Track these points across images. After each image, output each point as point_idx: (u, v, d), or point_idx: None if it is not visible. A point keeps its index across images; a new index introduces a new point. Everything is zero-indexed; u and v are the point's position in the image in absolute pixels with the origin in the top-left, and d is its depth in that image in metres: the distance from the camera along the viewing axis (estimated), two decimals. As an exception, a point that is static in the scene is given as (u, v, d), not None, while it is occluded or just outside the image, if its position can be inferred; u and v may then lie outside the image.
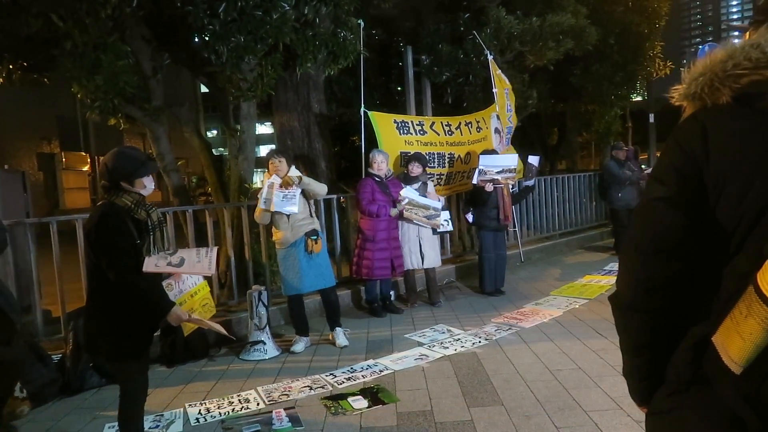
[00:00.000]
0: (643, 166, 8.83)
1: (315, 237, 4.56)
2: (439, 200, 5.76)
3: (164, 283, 2.76)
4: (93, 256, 2.54)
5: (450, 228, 6.10)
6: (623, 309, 1.14)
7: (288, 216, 4.47)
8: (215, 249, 2.84)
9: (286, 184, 4.46)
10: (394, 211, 5.34)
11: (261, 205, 4.48)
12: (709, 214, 1.00)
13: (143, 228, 2.61)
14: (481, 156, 5.98)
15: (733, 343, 0.87)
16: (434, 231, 5.73)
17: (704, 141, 1.01)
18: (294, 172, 4.52)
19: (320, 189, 4.69)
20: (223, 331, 2.84)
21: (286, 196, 4.46)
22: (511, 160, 6.13)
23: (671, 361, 1.07)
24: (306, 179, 4.55)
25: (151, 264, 2.57)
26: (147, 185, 2.63)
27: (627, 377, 1.22)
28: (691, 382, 1.00)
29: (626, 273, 1.13)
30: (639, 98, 18.59)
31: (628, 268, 1.12)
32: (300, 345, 4.58)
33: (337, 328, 4.70)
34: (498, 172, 5.87)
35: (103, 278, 2.52)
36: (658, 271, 1.05)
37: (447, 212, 5.98)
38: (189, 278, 2.92)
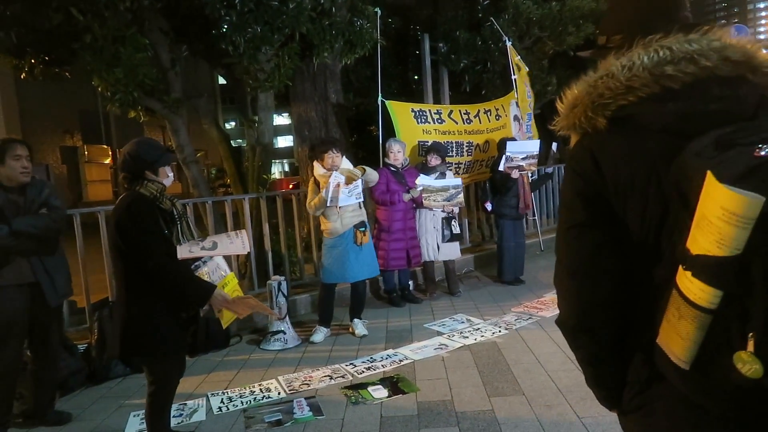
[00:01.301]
0: None
1: (363, 229, 4.56)
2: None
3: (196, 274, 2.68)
4: (124, 248, 2.42)
5: (458, 230, 5.90)
6: (569, 331, 1.21)
7: (339, 207, 4.44)
8: (244, 231, 2.83)
9: (350, 180, 4.39)
10: (407, 196, 5.26)
11: (328, 203, 4.37)
12: (623, 229, 1.06)
13: (168, 218, 2.57)
14: (507, 143, 5.91)
15: (675, 343, 0.92)
16: (443, 235, 5.60)
17: (596, 165, 1.08)
18: (347, 164, 4.49)
19: (376, 177, 4.73)
20: (268, 310, 2.81)
21: (351, 191, 4.44)
22: (534, 145, 6.09)
23: (631, 364, 1.13)
24: (368, 170, 4.56)
25: (185, 251, 2.51)
26: (169, 174, 2.62)
27: (591, 388, 1.29)
28: (650, 379, 1.07)
29: (564, 298, 1.19)
30: (662, 83, 18.21)
31: (564, 293, 1.18)
32: (320, 335, 4.60)
33: (355, 319, 4.72)
34: (523, 159, 5.83)
35: (135, 275, 2.44)
36: (592, 291, 1.12)
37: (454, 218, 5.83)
38: (218, 270, 2.83)
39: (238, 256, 5.09)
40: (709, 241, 0.84)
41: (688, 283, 0.88)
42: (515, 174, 5.78)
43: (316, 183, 4.51)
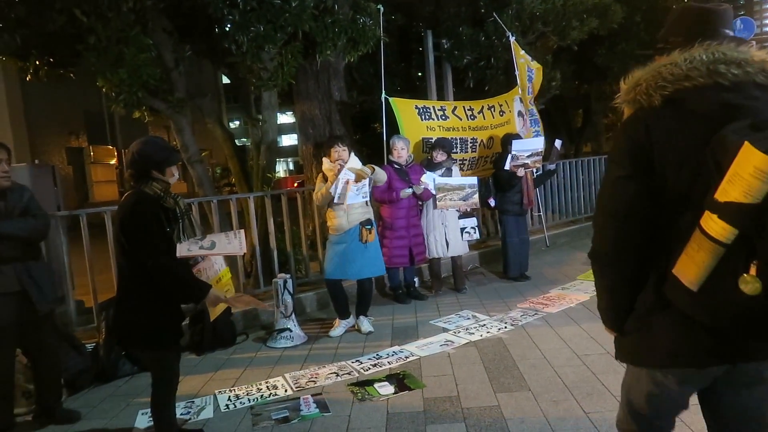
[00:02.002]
0: None
1: (369, 227, 4.55)
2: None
3: (194, 270, 2.78)
4: (126, 246, 2.53)
5: (477, 236, 5.89)
6: (601, 262, 1.55)
7: (346, 205, 4.46)
8: (242, 231, 2.88)
9: (360, 178, 4.40)
10: (404, 192, 5.18)
11: (336, 200, 4.43)
12: (657, 184, 1.39)
13: (171, 216, 2.63)
14: (513, 141, 5.90)
15: (691, 270, 1.27)
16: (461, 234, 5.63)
17: (647, 134, 1.41)
18: (355, 160, 4.47)
19: (384, 177, 4.73)
20: (259, 303, 2.86)
21: (359, 189, 4.47)
22: (539, 143, 6.09)
23: (639, 296, 1.48)
24: (377, 169, 4.57)
25: (184, 249, 2.59)
26: (175, 174, 2.67)
27: (603, 311, 1.62)
28: (651, 308, 1.44)
29: (602, 234, 1.53)
30: (667, 77, 18.10)
31: (603, 231, 1.52)
32: (340, 329, 4.63)
33: (361, 316, 4.72)
34: (528, 156, 5.84)
35: (135, 269, 2.53)
36: (626, 230, 1.45)
37: (473, 219, 5.80)
38: (215, 265, 2.95)
39: (243, 254, 5.11)
40: (738, 192, 1.16)
41: (712, 223, 1.21)
42: (521, 172, 5.79)
43: (324, 177, 4.56)
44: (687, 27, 1.55)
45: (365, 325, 4.67)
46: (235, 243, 2.74)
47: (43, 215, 3.21)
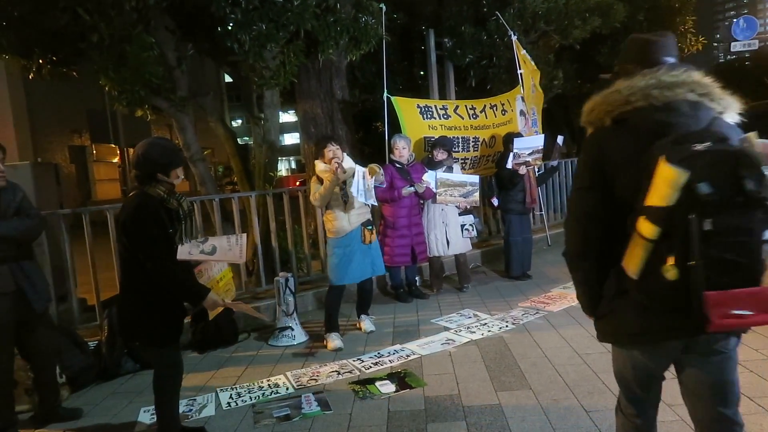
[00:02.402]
0: None
1: (371, 227, 4.50)
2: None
3: (195, 271, 2.82)
4: (128, 247, 2.56)
5: (475, 234, 5.88)
6: (572, 258, 1.85)
7: (345, 205, 4.34)
8: (244, 236, 2.89)
9: (372, 172, 4.39)
10: (406, 190, 5.19)
11: (366, 200, 4.38)
12: (610, 193, 1.68)
13: (174, 217, 2.64)
14: (515, 140, 5.90)
15: (631, 262, 1.56)
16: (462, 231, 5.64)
17: (600, 151, 1.71)
18: (349, 160, 4.43)
19: (382, 178, 4.70)
20: (255, 313, 2.89)
21: (370, 187, 4.44)
22: (539, 140, 6.08)
23: (606, 284, 1.77)
24: (380, 169, 4.56)
25: (185, 252, 2.62)
26: (180, 175, 2.68)
27: (580, 299, 1.92)
28: (616, 294, 1.71)
29: (571, 236, 1.83)
30: (669, 76, 18.04)
31: (572, 232, 1.83)
32: (338, 341, 4.36)
33: (363, 315, 4.73)
34: (529, 154, 5.85)
35: (137, 268, 2.56)
36: (590, 231, 1.76)
37: (471, 216, 5.78)
38: (216, 265, 2.98)
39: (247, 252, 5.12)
40: (657, 197, 1.46)
41: (642, 223, 1.51)
42: (523, 170, 5.80)
43: (319, 180, 4.39)
44: (634, 55, 1.83)
45: (367, 323, 4.67)
46: (236, 250, 2.77)
47: (36, 214, 3.20)
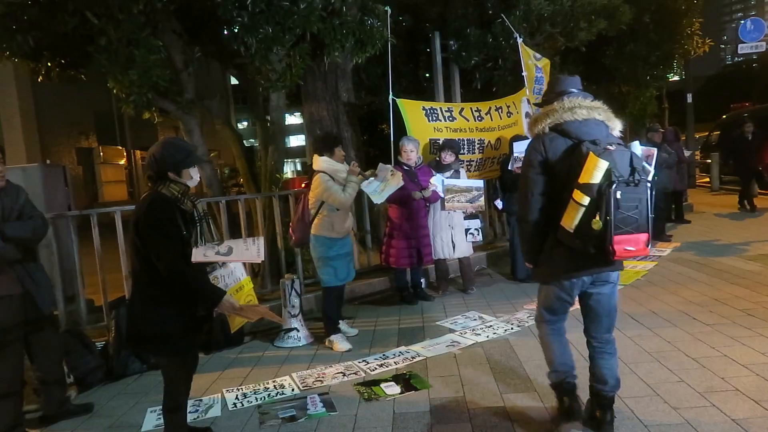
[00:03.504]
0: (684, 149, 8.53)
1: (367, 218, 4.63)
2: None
3: (210, 277, 2.71)
4: (141, 249, 2.48)
5: (480, 238, 5.89)
6: (522, 221, 2.76)
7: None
8: (261, 237, 2.79)
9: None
10: (417, 194, 5.24)
11: (375, 198, 4.56)
12: (551, 175, 2.59)
13: (189, 219, 2.58)
14: (514, 143, 5.91)
15: (568, 220, 2.44)
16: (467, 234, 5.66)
17: (544, 147, 2.63)
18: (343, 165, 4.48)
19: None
20: (276, 317, 2.82)
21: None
22: None
23: (545, 241, 2.68)
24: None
25: (200, 254, 2.53)
26: (193, 176, 2.62)
27: (525, 253, 2.90)
28: (552, 247, 2.63)
29: (522, 205, 2.72)
30: (676, 78, 17.99)
31: (523, 203, 2.71)
32: (346, 342, 4.38)
33: (341, 321, 4.70)
34: None
35: (151, 271, 2.48)
36: (535, 201, 2.66)
37: (478, 221, 5.79)
38: (234, 273, 2.86)
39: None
40: (587, 176, 2.38)
41: (577, 194, 2.40)
42: None
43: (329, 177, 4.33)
44: (557, 88, 2.82)
45: (348, 328, 4.69)
46: (253, 249, 2.64)
47: (40, 215, 3.21)
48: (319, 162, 4.37)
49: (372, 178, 4.58)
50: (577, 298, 2.81)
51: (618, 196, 2.36)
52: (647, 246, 2.48)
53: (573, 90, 2.75)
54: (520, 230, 2.86)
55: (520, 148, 5.86)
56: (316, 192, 4.34)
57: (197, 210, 2.63)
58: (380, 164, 4.70)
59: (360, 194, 5.95)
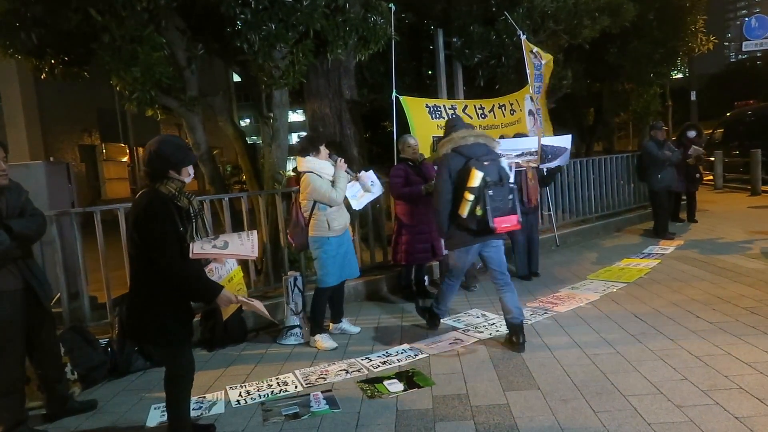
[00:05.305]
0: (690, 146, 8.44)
1: (352, 221, 4.57)
2: None
3: (206, 269, 2.81)
4: (140, 245, 2.53)
5: None
6: (437, 212, 4.09)
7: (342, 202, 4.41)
8: (254, 232, 2.88)
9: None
10: (424, 188, 5.15)
11: (355, 204, 4.61)
12: (453, 182, 3.95)
13: (185, 215, 2.63)
14: (499, 141, 5.88)
15: (463, 210, 3.87)
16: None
17: (449, 163, 3.97)
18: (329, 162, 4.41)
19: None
20: (266, 312, 2.88)
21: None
22: (532, 142, 6.00)
23: (451, 223, 4.05)
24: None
25: (197, 248, 2.60)
26: (190, 173, 2.67)
27: (438, 230, 4.32)
28: (456, 227, 4.01)
29: (437, 201, 4.06)
30: (680, 75, 17.94)
31: (438, 199, 4.05)
32: (332, 340, 4.40)
33: (343, 319, 4.70)
34: (517, 156, 5.81)
35: (148, 267, 2.54)
36: (443, 198, 4.00)
37: None
38: (226, 264, 2.98)
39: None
40: (472, 182, 3.81)
41: (467, 194, 3.83)
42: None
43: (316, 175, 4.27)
44: (450, 126, 4.29)
45: (350, 327, 4.68)
46: (248, 245, 2.74)
47: (40, 214, 3.24)
48: (304, 162, 4.30)
49: (355, 182, 4.58)
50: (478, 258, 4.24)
51: (490, 193, 3.77)
52: (518, 222, 3.94)
53: (461, 127, 4.17)
54: (436, 217, 4.15)
55: (506, 146, 5.87)
56: (306, 192, 4.29)
57: (192, 206, 2.68)
58: (363, 171, 4.69)
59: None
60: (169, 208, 2.55)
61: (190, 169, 2.67)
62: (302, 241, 4.44)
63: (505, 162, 4.09)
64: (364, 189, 4.67)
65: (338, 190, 4.28)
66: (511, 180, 4.03)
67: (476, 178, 3.74)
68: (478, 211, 3.75)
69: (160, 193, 2.56)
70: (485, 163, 3.83)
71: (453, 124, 4.24)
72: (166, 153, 2.58)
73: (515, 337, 3.97)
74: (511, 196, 3.85)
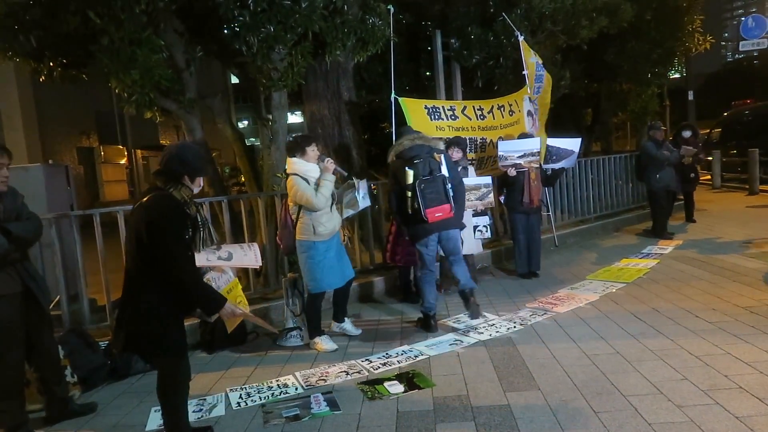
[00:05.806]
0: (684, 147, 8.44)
1: (343, 224, 4.53)
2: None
3: (204, 279, 2.74)
4: (150, 250, 2.41)
5: (489, 234, 5.86)
6: (396, 212, 4.58)
7: (332, 204, 4.29)
8: (255, 244, 2.89)
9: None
10: None
11: (362, 204, 4.56)
12: (399, 184, 4.44)
13: (192, 223, 2.60)
14: (500, 142, 5.95)
15: (407, 207, 4.37)
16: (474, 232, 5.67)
17: (395, 171, 4.48)
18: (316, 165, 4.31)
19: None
20: (268, 326, 2.87)
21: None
22: (533, 143, 6.03)
23: (410, 221, 4.48)
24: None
25: (203, 259, 2.59)
26: (200, 184, 2.67)
27: (400, 224, 4.77)
28: (414, 223, 4.45)
29: (391, 203, 4.58)
30: (677, 75, 17.96)
31: (392, 201, 4.56)
32: (331, 342, 4.38)
33: (345, 318, 4.68)
34: (519, 157, 5.86)
35: (150, 270, 2.46)
36: (398, 199, 4.47)
37: (486, 218, 5.76)
38: (223, 275, 2.91)
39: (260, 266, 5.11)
40: (406, 181, 4.33)
41: (408, 191, 4.31)
42: (512, 172, 5.84)
43: (302, 180, 4.16)
44: (400, 134, 4.81)
45: (351, 328, 4.66)
46: (251, 255, 2.75)
47: (37, 217, 3.25)
48: (290, 164, 4.23)
49: (351, 190, 4.51)
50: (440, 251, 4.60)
51: (421, 187, 4.22)
52: (450, 211, 4.30)
53: (404, 134, 4.63)
54: (396, 218, 4.73)
55: (506, 147, 5.91)
56: (290, 195, 4.24)
57: (200, 214, 2.65)
58: (356, 180, 4.57)
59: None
60: (183, 213, 2.52)
61: (201, 181, 2.65)
62: (290, 243, 4.39)
63: (443, 158, 4.47)
64: (355, 199, 4.52)
65: (319, 196, 4.11)
66: (444, 172, 4.36)
67: (409, 175, 4.26)
68: (416, 205, 4.23)
69: (174, 198, 2.51)
70: (416, 161, 4.29)
71: (399, 134, 4.77)
72: (187, 158, 2.55)
73: (466, 303, 4.51)
74: (444, 187, 4.27)
